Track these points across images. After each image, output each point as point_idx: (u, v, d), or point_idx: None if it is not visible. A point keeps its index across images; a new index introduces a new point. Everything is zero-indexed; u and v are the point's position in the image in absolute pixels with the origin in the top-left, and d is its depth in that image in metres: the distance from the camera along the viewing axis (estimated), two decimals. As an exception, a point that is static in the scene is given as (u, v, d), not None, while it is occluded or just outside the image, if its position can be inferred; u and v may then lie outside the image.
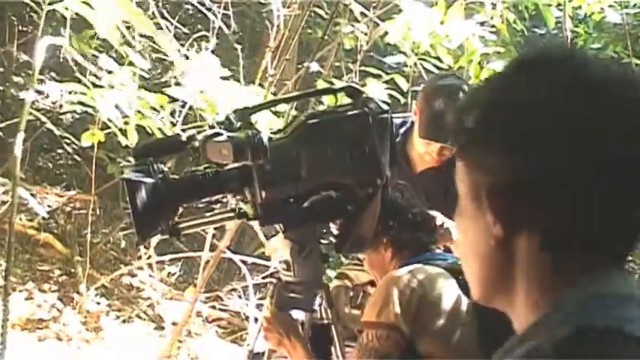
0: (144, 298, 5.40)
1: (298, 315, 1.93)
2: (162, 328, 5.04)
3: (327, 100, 3.57)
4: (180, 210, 1.59)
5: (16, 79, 6.28)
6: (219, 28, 4.64)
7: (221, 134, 1.48)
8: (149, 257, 5.11)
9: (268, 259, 4.48)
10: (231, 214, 1.64)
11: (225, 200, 1.68)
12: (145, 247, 4.86)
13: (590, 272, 0.81)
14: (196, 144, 1.53)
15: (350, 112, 1.66)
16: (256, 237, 4.87)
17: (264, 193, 1.59)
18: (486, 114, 0.85)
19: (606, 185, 0.79)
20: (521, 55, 0.90)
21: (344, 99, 1.77)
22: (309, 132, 1.63)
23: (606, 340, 0.76)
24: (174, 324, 4.84)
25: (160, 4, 4.48)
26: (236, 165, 1.55)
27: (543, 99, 0.81)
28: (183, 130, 4.04)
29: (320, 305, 1.91)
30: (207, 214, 1.67)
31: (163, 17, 4.40)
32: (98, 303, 5.17)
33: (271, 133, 1.66)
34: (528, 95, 0.82)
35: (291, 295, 1.89)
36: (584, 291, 0.80)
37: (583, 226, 0.80)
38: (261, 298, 4.64)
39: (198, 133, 1.57)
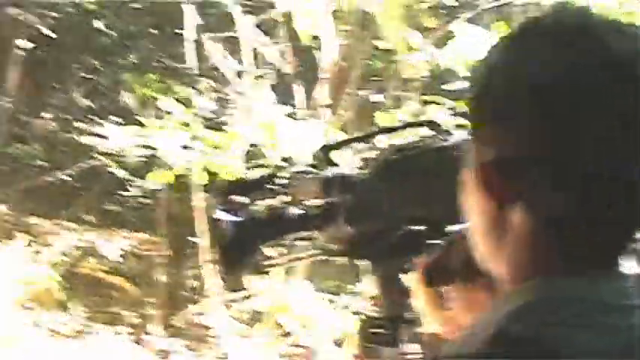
0: (213, 336, 5.41)
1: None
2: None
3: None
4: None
5: (76, 124, 6.27)
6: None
7: (310, 172, 1.48)
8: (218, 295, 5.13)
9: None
10: (318, 251, 1.64)
11: (307, 236, 1.68)
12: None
13: (571, 265, 0.73)
14: (279, 181, 1.54)
15: (435, 146, 1.63)
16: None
17: (349, 229, 1.59)
18: (483, 85, 0.79)
19: (607, 172, 0.71)
20: (525, 23, 0.80)
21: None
22: (392, 167, 1.62)
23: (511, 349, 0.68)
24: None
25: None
26: (321, 201, 1.55)
27: (545, 72, 0.73)
28: (249, 168, 4.08)
29: (406, 341, 1.88)
30: (295, 251, 1.67)
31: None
32: (169, 344, 5.21)
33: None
34: (528, 66, 0.75)
35: (377, 330, 1.86)
36: (549, 287, 0.73)
37: (575, 207, 0.72)
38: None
39: (279, 170, 1.58)
